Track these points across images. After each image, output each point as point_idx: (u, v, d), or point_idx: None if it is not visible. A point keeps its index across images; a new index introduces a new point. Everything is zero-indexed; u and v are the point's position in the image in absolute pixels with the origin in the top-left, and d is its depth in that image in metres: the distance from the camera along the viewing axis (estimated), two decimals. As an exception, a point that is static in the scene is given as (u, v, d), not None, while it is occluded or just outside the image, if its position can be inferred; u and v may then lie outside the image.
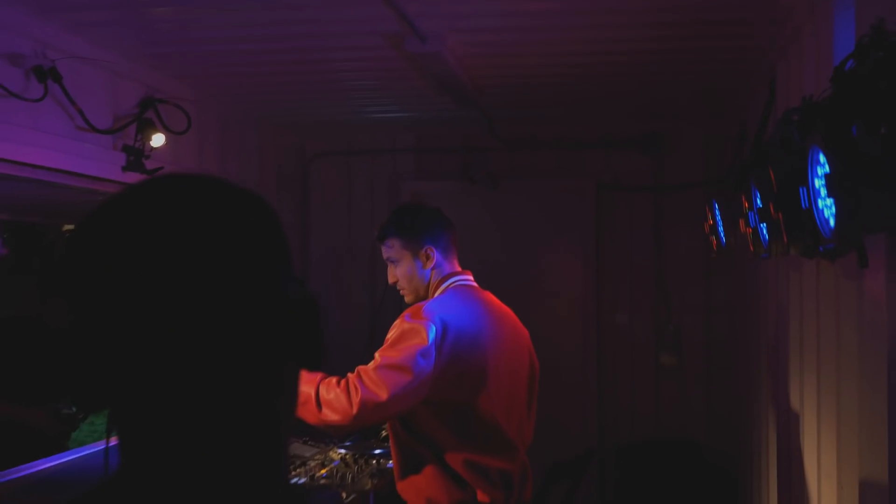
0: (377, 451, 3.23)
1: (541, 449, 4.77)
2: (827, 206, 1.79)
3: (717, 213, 3.55)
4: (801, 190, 1.90)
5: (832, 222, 1.76)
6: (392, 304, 5.23)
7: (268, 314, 0.95)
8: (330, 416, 2.62)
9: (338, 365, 2.76)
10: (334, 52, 4.21)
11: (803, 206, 1.89)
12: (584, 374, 5.85)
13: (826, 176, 1.72)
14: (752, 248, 2.85)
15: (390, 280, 3.08)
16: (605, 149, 5.87)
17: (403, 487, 2.82)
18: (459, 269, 3.06)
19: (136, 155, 4.02)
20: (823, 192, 1.78)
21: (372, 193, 6.16)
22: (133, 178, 4.06)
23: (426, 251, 2.98)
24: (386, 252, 3.05)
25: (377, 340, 3.00)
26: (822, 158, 1.76)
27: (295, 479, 2.85)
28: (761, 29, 3.66)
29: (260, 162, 5.72)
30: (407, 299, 3.04)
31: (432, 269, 2.98)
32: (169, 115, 4.27)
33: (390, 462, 3.04)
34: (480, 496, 2.78)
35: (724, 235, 3.42)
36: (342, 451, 3.19)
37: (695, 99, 5.13)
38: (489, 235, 5.79)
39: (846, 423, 2.77)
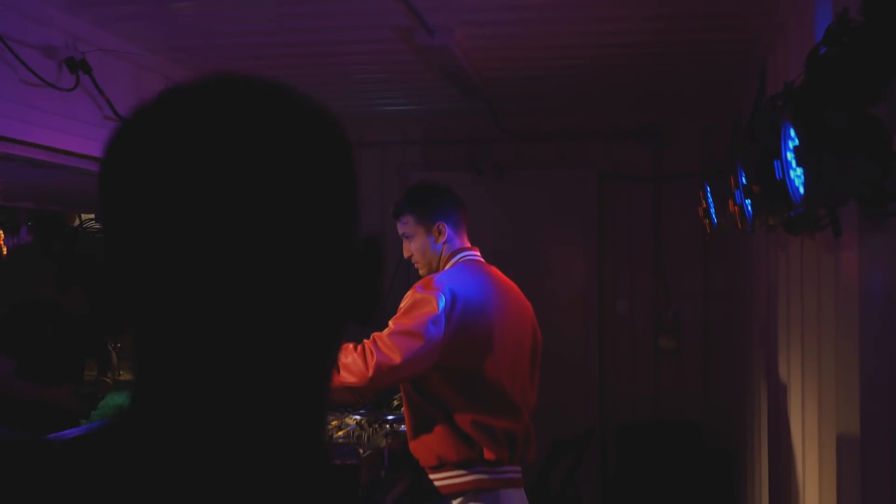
0: (390, 417, 3.45)
1: (544, 429, 4.99)
2: (798, 176, 2.00)
3: (710, 196, 3.76)
4: (775, 163, 2.11)
5: (801, 190, 1.97)
6: (400, 286, 5.45)
7: (333, 259, 0.86)
8: (348, 378, 2.84)
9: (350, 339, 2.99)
10: (345, 46, 4.43)
11: (777, 177, 2.10)
12: (585, 357, 6.05)
13: (795, 148, 1.93)
14: (739, 225, 3.06)
15: (405, 254, 3.29)
16: (606, 140, 6.08)
17: (416, 446, 3.03)
18: (469, 244, 3.27)
19: (159, 143, 4.23)
20: (794, 163, 1.99)
21: (382, 184, 6.37)
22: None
23: (438, 227, 3.19)
24: (401, 228, 3.26)
25: (387, 319, 3.23)
26: (792, 133, 1.97)
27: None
28: (752, 23, 3.87)
29: (273, 153, 5.93)
30: (421, 272, 3.25)
31: (444, 243, 3.20)
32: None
33: (403, 426, 3.25)
34: (487, 454, 3.00)
35: (716, 216, 3.63)
36: (357, 416, 3.41)
37: (693, 91, 5.34)
38: (495, 224, 5.99)
39: (826, 387, 2.97)
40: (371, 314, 0.90)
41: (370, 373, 2.82)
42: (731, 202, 3.19)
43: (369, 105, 5.79)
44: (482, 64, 4.62)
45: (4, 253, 5.31)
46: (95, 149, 3.79)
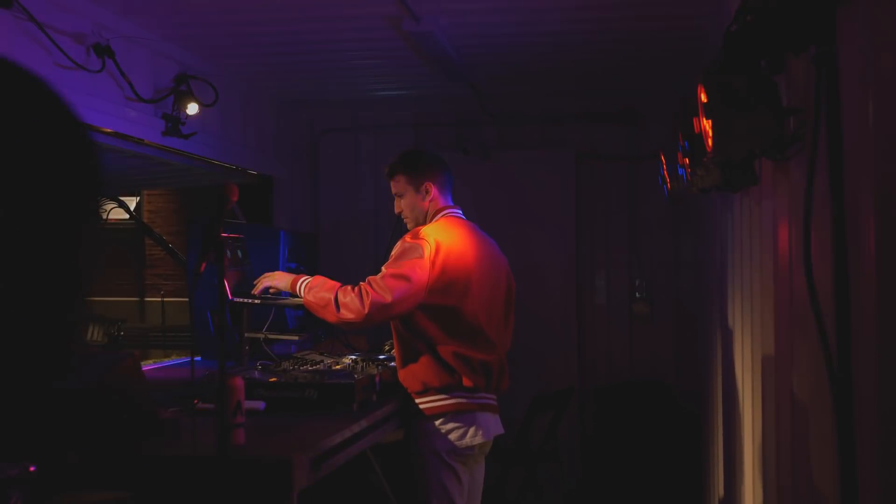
0: (381, 356, 3.91)
1: (527, 390, 5.46)
2: (709, 130, 2.46)
3: (664, 165, 4.21)
4: (694, 120, 2.57)
5: (711, 139, 2.43)
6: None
7: None
8: (347, 315, 3.30)
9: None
10: (341, 34, 4.86)
11: (695, 130, 2.56)
12: (565, 323, 6.52)
13: (703, 104, 2.39)
14: (684, 185, 3.53)
15: (396, 210, 3.74)
16: (584, 123, 6.55)
17: (404, 375, 3.50)
18: (452, 203, 3.73)
19: (174, 122, 4.69)
20: (705, 118, 2.45)
21: (376, 164, 6.82)
22: (171, 142, 4.74)
23: (426, 186, 3.65)
24: (394, 187, 3.72)
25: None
26: (704, 93, 2.43)
27: (314, 369, 3.53)
28: (707, 11, 4.31)
29: (276, 136, 6.38)
30: (409, 226, 3.70)
31: (430, 201, 3.65)
32: (199, 90, 4.93)
33: (392, 363, 3.72)
34: (465, 381, 3.46)
35: (668, 181, 4.09)
36: (353, 357, 3.87)
37: (664, 74, 5.78)
38: (481, 201, 6.41)
39: (755, 326, 3.44)
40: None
41: (366, 310, 3.28)
42: (676, 167, 3.65)
43: (364, 91, 6.24)
44: (466, 50, 5.06)
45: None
46: (118, 125, 4.28)
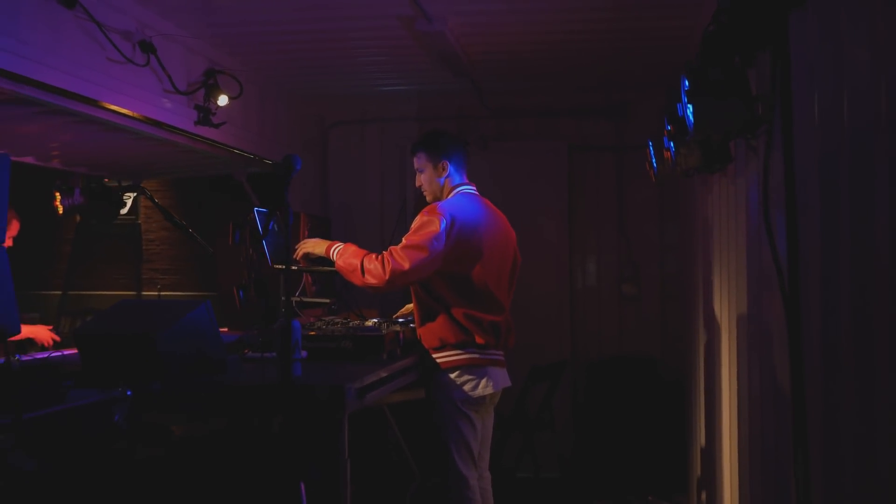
0: (400, 321, 4.37)
1: (524, 365, 5.92)
2: (690, 113, 2.94)
3: (652, 151, 4.68)
4: (678, 105, 3.05)
5: (692, 121, 2.91)
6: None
7: None
8: (370, 280, 3.76)
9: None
10: (353, 33, 5.29)
11: (679, 114, 3.04)
12: (558, 302, 7.00)
13: (686, 91, 2.87)
14: (670, 166, 4.00)
15: (416, 184, 4.19)
16: (576, 116, 7.04)
17: (423, 332, 3.96)
18: (467, 181, 4.19)
19: (205, 112, 5.14)
20: (686, 102, 2.93)
21: (382, 156, 7.31)
22: (203, 131, 5.20)
23: (442, 164, 4.10)
24: (416, 163, 4.17)
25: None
26: (686, 82, 2.91)
27: (346, 325, 4.00)
28: (690, 10, 4.79)
29: (289, 128, 6.84)
30: (427, 199, 4.15)
31: (446, 178, 4.11)
32: (224, 84, 5.37)
33: (411, 324, 4.18)
34: (478, 339, 3.93)
35: (656, 165, 4.56)
36: (375, 319, 4.34)
37: (649, 71, 6.26)
38: (479, 189, 6.89)
39: (732, 298, 3.92)
40: None
41: (386, 276, 3.74)
42: (664, 150, 4.12)
43: (371, 86, 6.69)
44: (470, 48, 5.54)
45: (61, 212, 6.19)
46: (158, 114, 4.73)
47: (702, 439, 5.14)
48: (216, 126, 5.19)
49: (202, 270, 7.67)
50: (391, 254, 3.80)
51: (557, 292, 7.03)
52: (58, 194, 6.04)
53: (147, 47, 4.56)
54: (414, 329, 4.05)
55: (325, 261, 3.93)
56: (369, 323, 4.16)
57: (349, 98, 7.04)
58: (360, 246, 3.90)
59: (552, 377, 6.14)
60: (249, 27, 5.14)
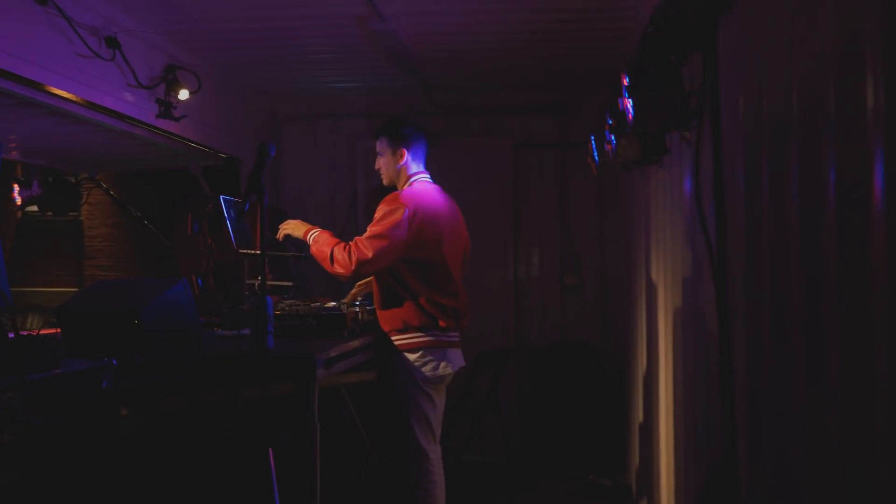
0: (357, 303, 4.61)
1: (470, 351, 6.18)
2: (631, 106, 3.23)
3: (594, 145, 4.98)
4: (619, 100, 3.34)
5: (632, 114, 3.20)
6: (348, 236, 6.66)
7: None
8: (338, 269, 3.99)
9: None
10: (307, 31, 5.50)
11: (620, 108, 3.33)
12: (504, 292, 7.31)
13: (626, 87, 3.16)
14: (611, 159, 4.30)
15: (376, 167, 4.40)
16: (520, 113, 7.35)
17: (385, 315, 4.15)
18: (424, 170, 4.43)
19: (166, 106, 5.33)
20: (627, 96, 3.22)
21: (333, 150, 7.54)
22: (164, 124, 5.38)
23: (401, 151, 4.32)
24: (377, 147, 4.38)
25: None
26: (626, 79, 3.20)
27: (309, 306, 4.24)
28: (630, 13, 5.11)
29: (244, 122, 7.03)
30: (384, 181, 4.37)
31: (402, 165, 4.34)
32: (183, 79, 5.56)
33: (368, 307, 4.41)
34: (440, 322, 4.16)
35: (597, 158, 4.86)
36: (334, 302, 4.57)
37: (591, 72, 6.58)
38: (428, 183, 7.19)
39: (668, 284, 4.23)
40: None
41: (353, 266, 3.96)
42: (606, 144, 4.42)
43: (323, 82, 6.92)
44: (421, 47, 5.79)
45: (19, 203, 6.33)
46: (122, 106, 4.91)
47: (640, 417, 5.46)
48: (177, 119, 5.38)
49: (145, 267, 7.79)
50: (356, 244, 4.01)
51: (503, 282, 7.32)
52: (16, 186, 6.18)
53: (112, 42, 4.74)
54: (371, 310, 4.28)
55: (297, 245, 4.14)
56: (329, 304, 4.39)
57: (300, 93, 7.25)
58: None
59: (498, 363, 6.42)
60: (207, 24, 5.32)
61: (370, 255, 3.97)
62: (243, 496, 3.49)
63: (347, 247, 4.02)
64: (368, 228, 4.10)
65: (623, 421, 6.62)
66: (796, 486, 2.14)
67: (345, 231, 6.96)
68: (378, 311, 4.22)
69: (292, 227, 4.24)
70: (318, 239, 4.10)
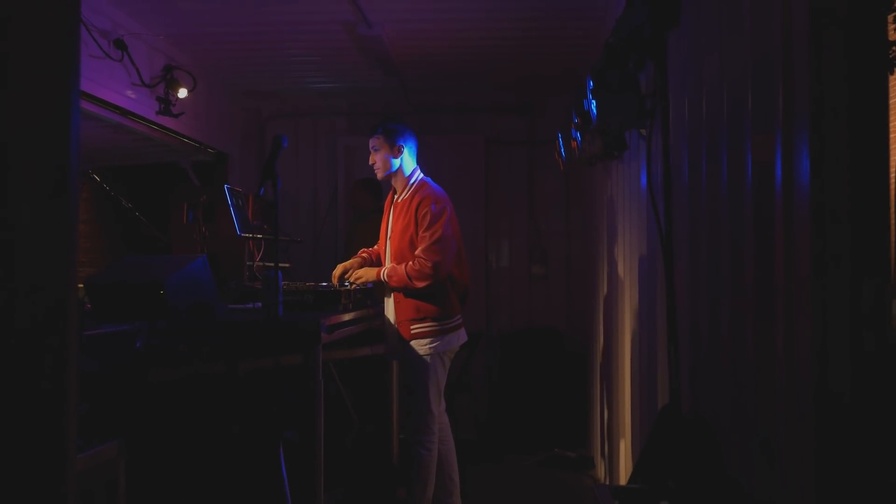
0: (346, 283, 5.05)
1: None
2: (594, 107, 3.71)
3: (561, 142, 5.47)
4: (584, 101, 3.83)
5: (595, 113, 3.68)
6: (328, 232, 7.08)
7: None
8: (421, 282, 4.39)
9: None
10: (296, 36, 5.90)
11: (585, 108, 3.81)
12: (475, 280, 7.74)
13: (590, 90, 3.65)
14: (576, 154, 4.78)
15: (370, 161, 4.75)
16: (491, 113, 7.82)
17: (405, 304, 4.51)
18: (417, 166, 4.82)
19: (166, 104, 5.74)
20: (591, 98, 3.70)
21: (314, 148, 7.97)
22: (164, 120, 5.79)
23: (398, 147, 4.70)
24: (372, 142, 4.71)
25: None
26: (590, 83, 3.69)
27: (302, 287, 4.68)
28: (595, 23, 5.59)
29: (232, 119, 7.45)
30: (378, 176, 4.73)
31: (400, 160, 4.69)
32: (180, 79, 5.98)
33: (355, 286, 4.84)
34: (454, 310, 4.59)
35: (564, 153, 5.34)
36: (325, 283, 5.01)
37: (558, 75, 7.05)
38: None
39: (625, 274, 4.71)
40: None
41: (430, 272, 4.38)
42: (572, 141, 4.90)
43: (306, 83, 7.35)
44: (401, 51, 6.24)
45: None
46: (127, 104, 5.32)
47: (602, 394, 5.95)
48: (175, 116, 5.79)
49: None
50: (423, 253, 4.41)
51: (474, 271, 7.78)
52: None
53: (120, 44, 5.15)
54: (360, 289, 4.72)
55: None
56: (323, 284, 4.84)
57: (284, 93, 7.67)
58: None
59: (470, 346, 6.87)
60: (202, 28, 5.71)
61: (440, 257, 4.40)
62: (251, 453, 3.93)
63: (416, 262, 4.41)
64: (426, 234, 4.46)
65: (585, 399, 7.11)
66: (721, 404, 2.63)
67: (327, 222, 7.41)
68: (401, 300, 4.55)
69: (365, 275, 4.60)
70: (389, 274, 4.48)
